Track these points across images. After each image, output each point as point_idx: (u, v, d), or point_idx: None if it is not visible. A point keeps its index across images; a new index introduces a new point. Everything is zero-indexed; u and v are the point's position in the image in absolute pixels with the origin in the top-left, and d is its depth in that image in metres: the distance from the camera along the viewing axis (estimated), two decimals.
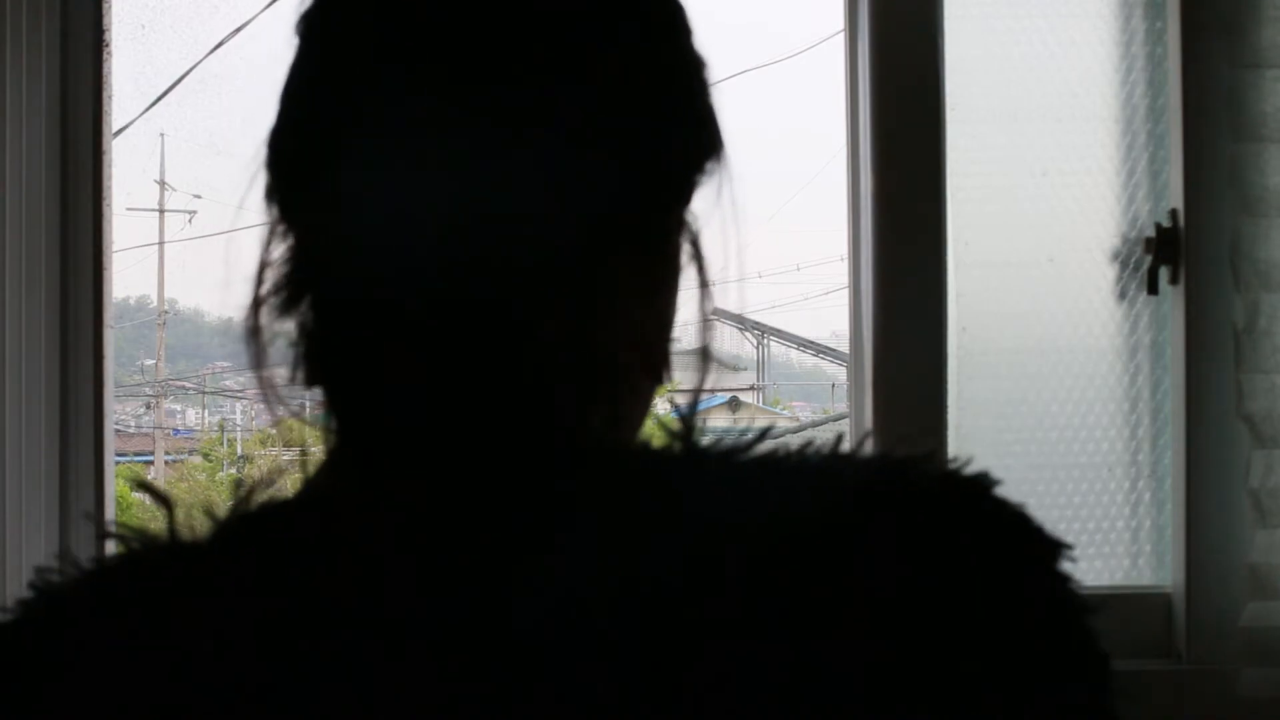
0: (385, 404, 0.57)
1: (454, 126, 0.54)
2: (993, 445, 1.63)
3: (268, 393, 0.60)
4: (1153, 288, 1.60)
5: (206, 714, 0.51)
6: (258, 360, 0.59)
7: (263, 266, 0.59)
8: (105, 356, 1.56)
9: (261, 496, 0.57)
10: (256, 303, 0.58)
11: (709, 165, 0.61)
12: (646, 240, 0.59)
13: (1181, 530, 1.58)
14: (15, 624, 0.57)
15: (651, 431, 0.59)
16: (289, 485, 0.59)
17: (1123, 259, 1.63)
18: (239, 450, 16.93)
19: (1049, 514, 1.62)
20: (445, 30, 0.55)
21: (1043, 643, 0.53)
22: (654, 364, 0.62)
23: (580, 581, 0.52)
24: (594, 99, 0.56)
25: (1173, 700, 1.53)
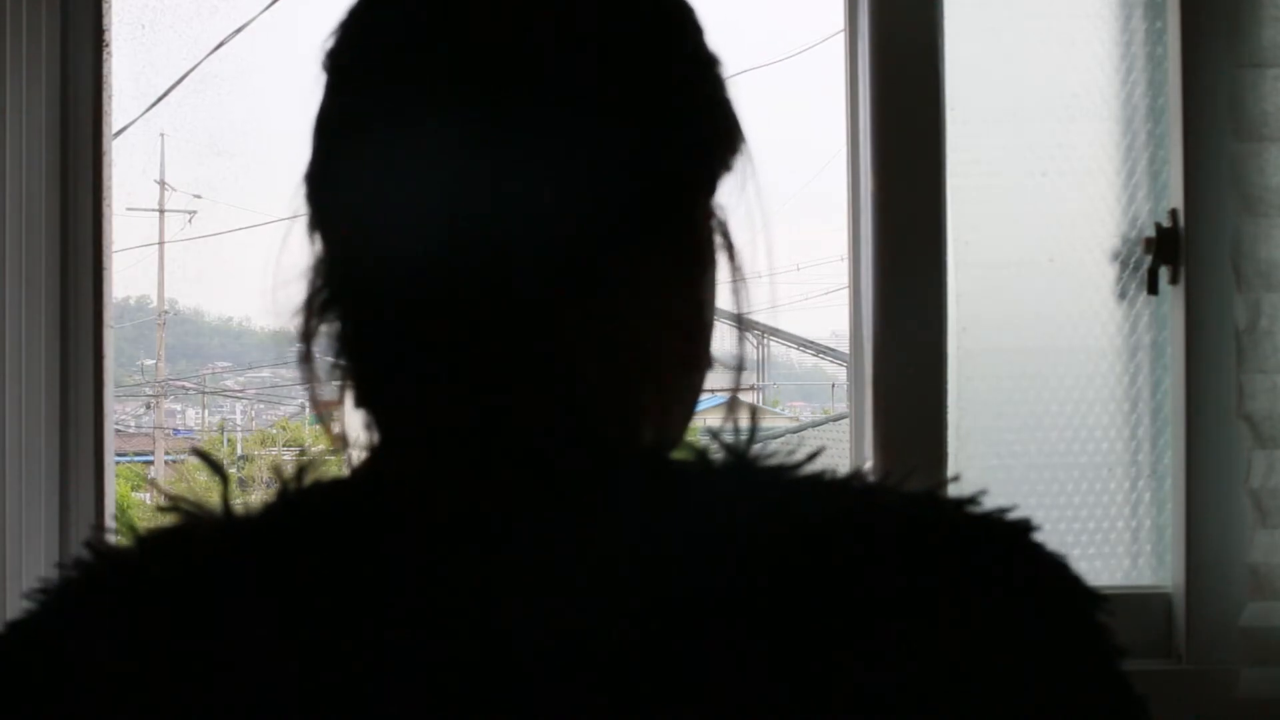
0: (408, 402, 0.58)
1: (472, 129, 0.55)
2: (993, 445, 1.63)
3: (314, 389, 0.61)
4: (1153, 288, 1.60)
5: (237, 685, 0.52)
6: (305, 359, 0.60)
7: (310, 281, 0.60)
8: (105, 356, 1.56)
9: (312, 477, 0.58)
10: (308, 307, 0.60)
11: (729, 158, 0.61)
12: (670, 230, 0.60)
13: (1181, 530, 1.58)
14: (73, 582, 0.58)
15: (693, 437, 0.59)
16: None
17: (1123, 259, 1.63)
18: (239, 450, 16.92)
19: (1049, 514, 1.62)
20: (461, 42, 0.56)
21: (1085, 693, 0.54)
22: (693, 354, 0.62)
23: (580, 593, 0.52)
24: (610, 97, 0.56)
25: (1173, 700, 1.53)
